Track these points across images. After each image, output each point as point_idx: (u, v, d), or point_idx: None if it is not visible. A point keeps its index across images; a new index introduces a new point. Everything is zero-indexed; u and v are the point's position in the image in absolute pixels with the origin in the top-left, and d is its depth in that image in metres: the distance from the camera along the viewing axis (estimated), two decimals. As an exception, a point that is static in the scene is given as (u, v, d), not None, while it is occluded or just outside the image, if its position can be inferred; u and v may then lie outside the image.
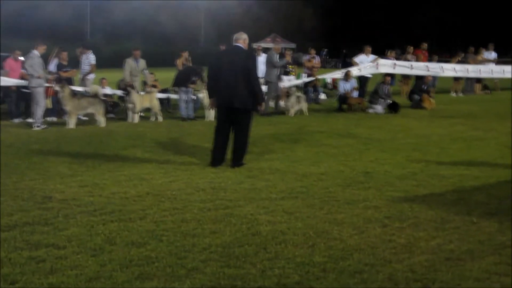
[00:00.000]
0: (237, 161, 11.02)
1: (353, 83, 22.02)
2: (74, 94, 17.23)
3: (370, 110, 20.64)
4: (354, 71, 23.15)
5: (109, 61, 36.56)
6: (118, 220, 7.31)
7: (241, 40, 11.30)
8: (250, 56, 11.58)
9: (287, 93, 20.21)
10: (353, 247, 6.37)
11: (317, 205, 8.10)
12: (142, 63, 19.22)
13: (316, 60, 26.66)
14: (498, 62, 32.29)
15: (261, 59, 21.98)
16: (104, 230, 6.90)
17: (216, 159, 11.07)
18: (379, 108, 20.56)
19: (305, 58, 27.12)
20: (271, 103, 20.79)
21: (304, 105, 20.00)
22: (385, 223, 7.28)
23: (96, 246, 6.35)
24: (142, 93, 18.48)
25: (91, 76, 19.69)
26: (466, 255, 6.16)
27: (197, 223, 7.22)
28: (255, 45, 48.68)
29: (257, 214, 7.62)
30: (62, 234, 6.77)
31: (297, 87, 23.24)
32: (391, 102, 20.98)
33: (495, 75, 30.53)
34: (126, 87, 18.15)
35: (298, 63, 28.00)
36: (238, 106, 10.94)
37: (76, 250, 6.26)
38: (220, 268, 5.76)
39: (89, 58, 19.75)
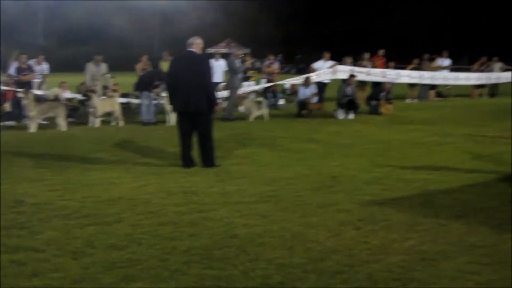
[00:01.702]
0: (209, 162, 11.31)
1: (313, 89, 22.24)
2: (38, 99, 17.13)
3: (336, 113, 20.77)
4: (313, 77, 23.34)
5: (65, 64, 36.26)
6: (94, 223, 7.36)
7: (195, 45, 11.48)
8: (204, 61, 11.77)
9: (246, 98, 20.33)
10: (330, 249, 6.53)
11: (290, 209, 8.24)
12: (103, 67, 19.21)
13: (275, 66, 26.86)
14: (452, 69, 32.90)
15: (220, 64, 22.17)
16: (82, 233, 6.95)
17: (187, 161, 11.33)
18: (342, 112, 20.71)
19: (264, 63, 27.27)
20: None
21: (264, 111, 20.16)
22: (358, 225, 7.45)
23: (76, 249, 6.40)
24: (103, 97, 18.43)
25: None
26: (439, 256, 6.37)
27: (174, 226, 7.30)
28: (211, 50, 48.85)
29: (232, 217, 7.73)
30: (39, 237, 6.81)
31: (257, 92, 23.39)
32: (351, 100, 21.15)
33: (449, 82, 31.10)
34: (87, 91, 18.08)
35: (257, 69, 28.14)
36: (196, 110, 11.19)
37: (56, 253, 6.30)
38: (203, 269, 5.87)
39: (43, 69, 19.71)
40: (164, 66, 21.12)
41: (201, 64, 11.47)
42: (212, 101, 11.44)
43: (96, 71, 19.01)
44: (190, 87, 11.11)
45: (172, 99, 11.68)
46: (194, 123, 11.34)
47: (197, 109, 11.17)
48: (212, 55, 23.84)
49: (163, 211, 8.03)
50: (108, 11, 59.04)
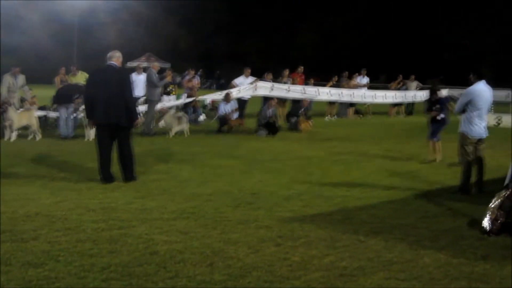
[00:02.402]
0: (129, 175, 11.33)
1: (233, 104, 22.30)
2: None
3: (257, 133, 20.86)
4: (234, 92, 23.36)
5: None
6: (10, 240, 7.18)
7: (115, 58, 11.55)
8: (124, 74, 11.87)
9: (166, 113, 20.18)
10: (250, 265, 6.55)
11: (210, 225, 8.24)
12: (21, 79, 18.75)
13: (196, 81, 26.81)
14: (370, 87, 33.55)
15: (142, 77, 22.01)
16: (-3, 250, 6.78)
17: (106, 177, 11.23)
18: (264, 131, 20.81)
19: (185, 78, 27.19)
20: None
21: (185, 126, 20.08)
22: (278, 242, 7.50)
23: (-10, 267, 6.24)
24: (20, 110, 18.01)
25: None
26: (358, 271, 6.48)
27: (93, 243, 7.20)
28: (130, 64, 48.45)
29: (152, 234, 7.68)
30: (-49, 255, 6.61)
31: (177, 107, 23.30)
32: (271, 122, 21.31)
33: (367, 100, 31.67)
34: (2, 104, 17.63)
35: (177, 84, 27.99)
36: (115, 122, 11.19)
37: (-30, 271, 6.12)
38: (123, 287, 5.80)
39: None
40: (72, 80, 20.79)
41: (121, 77, 11.52)
42: (132, 114, 11.45)
43: (13, 83, 18.56)
44: (110, 100, 11.11)
45: (91, 112, 11.55)
46: (114, 136, 11.33)
47: (117, 121, 11.17)
48: (133, 69, 23.64)
49: (81, 227, 7.90)
50: (26, 22, 57.98)
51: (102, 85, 11.25)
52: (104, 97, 11.13)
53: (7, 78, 18.53)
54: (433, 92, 15.96)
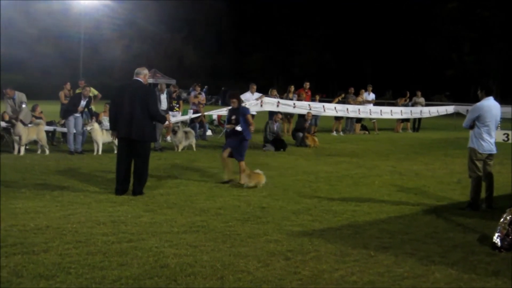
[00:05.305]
0: (138, 190, 11.46)
1: (240, 120, 22.27)
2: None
3: (264, 148, 20.92)
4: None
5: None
6: (21, 252, 7.19)
7: (142, 75, 11.87)
8: (149, 90, 12.25)
9: (174, 129, 20.21)
10: (261, 279, 6.55)
11: (220, 239, 8.24)
12: (19, 97, 18.57)
13: (202, 97, 26.85)
14: (376, 103, 33.57)
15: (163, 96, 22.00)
16: (8, 262, 6.79)
17: (120, 189, 11.42)
18: (271, 147, 20.88)
19: (191, 94, 27.25)
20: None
21: (193, 141, 20.14)
22: (288, 256, 7.49)
23: (2, 279, 6.25)
24: (30, 125, 18.04)
25: None
26: (369, 286, 6.48)
27: (103, 255, 7.20)
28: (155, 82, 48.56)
29: (162, 247, 7.68)
30: (-37, 267, 6.62)
31: (183, 123, 23.33)
32: (279, 138, 21.41)
33: (373, 116, 31.67)
34: (11, 119, 17.67)
35: (183, 100, 28.02)
36: (136, 138, 11.43)
37: (-18, 283, 6.13)
38: (134, 299, 5.81)
39: None
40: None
41: (146, 92, 11.76)
42: (161, 120, 12.67)
43: (12, 104, 18.45)
44: (132, 115, 11.38)
45: (114, 125, 11.81)
46: (133, 150, 11.55)
47: (138, 137, 11.42)
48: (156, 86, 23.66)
49: (91, 240, 7.91)
50: (32, 38, 58.24)
51: (127, 99, 11.51)
52: (127, 111, 11.43)
53: (6, 102, 18.50)
54: (232, 99, 13.79)
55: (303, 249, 7.86)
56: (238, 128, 13.14)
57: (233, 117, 13.30)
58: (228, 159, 13.41)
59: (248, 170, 12.91)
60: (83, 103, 18.03)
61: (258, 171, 13.01)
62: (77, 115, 17.98)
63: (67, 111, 18.24)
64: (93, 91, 21.61)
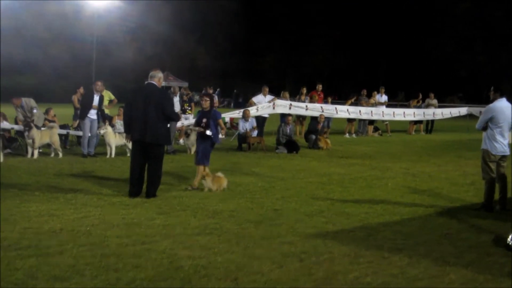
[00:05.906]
0: (151, 192, 11.50)
1: (253, 122, 22.34)
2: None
3: (277, 151, 20.94)
4: (252, 110, 23.41)
5: (2, 95, 35.57)
6: (35, 255, 7.22)
7: (156, 78, 11.91)
8: (164, 93, 12.32)
9: (187, 132, 20.23)
10: (275, 281, 6.56)
11: (233, 241, 8.25)
12: (27, 103, 18.66)
13: (215, 99, 26.83)
14: (389, 105, 33.52)
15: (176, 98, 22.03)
16: (23, 265, 6.82)
17: (133, 191, 11.49)
18: (284, 149, 20.89)
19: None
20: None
21: (205, 143, 20.11)
22: (301, 257, 7.50)
23: (17, 281, 6.29)
24: (43, 128, 18.12)
25: None
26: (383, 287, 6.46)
27: (117, 258, 7.22)
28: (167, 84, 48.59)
29: (175, 249, 7.70)
30: (-22, 269, 6.65)
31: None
32: (293, 140, 21.43)
33: (386, 118, 31.62)
34: (28, 122, 17.74)
35: (194, 102, 28.06)
36: (151, 140, 11.47)
37: (-3, 285, 6.16)
38: (149, 301, 5.82)
39: None
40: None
41: (160, 96, 11.83)
42: (175, 119, 12.89)
43: (22, 111, 18.56)
44: (146, 118, 11.44)
45: (128, 128, 11.86)
46: (147, 153, 11.59)
47: (151, 140, 11.48)
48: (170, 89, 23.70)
49: (105, 242, 7.94)
50: (45, 41, 58.38)
51: (141, 103, 11.55)
52: (141, 115, 11.48)
53: (16, 111, 18.63)
54: (205, 97, 13.29)
55: (316, 251, 7.86)
56: (208, 132, 12.75)
57: (204, 120, 12.85)
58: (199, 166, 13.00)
59: (211, 174, 12.71)
60: (96, 98, 18.08)
61: (219, 174, 12.92)
62: (93, 117, 18.00)
63: (83, 109, 18.20)
64: (110, 96, 21.59)
